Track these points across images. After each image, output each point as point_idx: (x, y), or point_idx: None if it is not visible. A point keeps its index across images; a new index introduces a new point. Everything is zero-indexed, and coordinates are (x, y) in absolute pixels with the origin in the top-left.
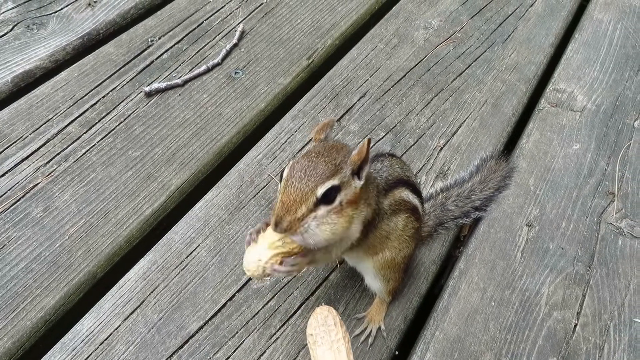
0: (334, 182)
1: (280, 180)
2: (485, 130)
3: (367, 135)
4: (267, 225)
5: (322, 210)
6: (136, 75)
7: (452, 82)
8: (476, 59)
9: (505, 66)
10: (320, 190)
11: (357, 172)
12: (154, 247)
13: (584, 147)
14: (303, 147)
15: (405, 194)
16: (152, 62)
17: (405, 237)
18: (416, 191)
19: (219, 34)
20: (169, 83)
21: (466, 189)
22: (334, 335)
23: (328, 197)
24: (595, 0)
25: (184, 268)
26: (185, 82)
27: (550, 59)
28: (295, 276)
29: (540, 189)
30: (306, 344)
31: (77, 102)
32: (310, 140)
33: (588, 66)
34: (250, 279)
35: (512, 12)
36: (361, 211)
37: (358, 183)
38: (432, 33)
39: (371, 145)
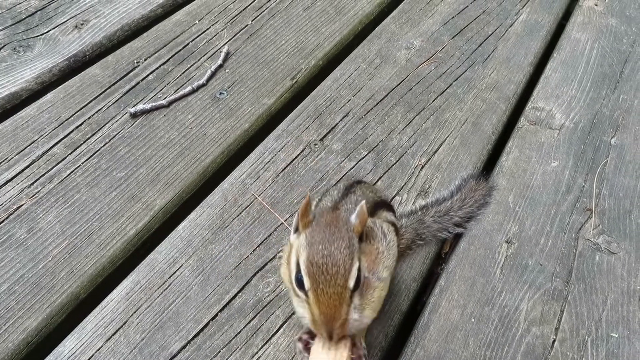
0: (356, 265)
1: (300, 287)
2: (465, 149)
3: (349, 155)
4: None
5: (357, 297)
6: (121, 96)
7: (434, 101)
8: (457, 79)
9: (486, 85)
10: (351, 283)
11: (359, 238)
12: (137, 267)
13: (562, 164)
14: (286, 166)
15: (384, 215)
16: (138, 83)
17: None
18: (392, 209)
19: (204, 55)
20: (154, 104)
21: (445, 206)
22: None
23: (357, 282)
24: (574, 20)
25: (166, 288)
26: (170, 103)
27: (529, 78)
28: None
29: (520, 206)
30: None
31: (62, 123)
32: (291, 162)
33: (566, 85)
34: (233, 297)
35: (492, 32)
36: (387, 259)
37: (364, 247)
38: (414, 53)
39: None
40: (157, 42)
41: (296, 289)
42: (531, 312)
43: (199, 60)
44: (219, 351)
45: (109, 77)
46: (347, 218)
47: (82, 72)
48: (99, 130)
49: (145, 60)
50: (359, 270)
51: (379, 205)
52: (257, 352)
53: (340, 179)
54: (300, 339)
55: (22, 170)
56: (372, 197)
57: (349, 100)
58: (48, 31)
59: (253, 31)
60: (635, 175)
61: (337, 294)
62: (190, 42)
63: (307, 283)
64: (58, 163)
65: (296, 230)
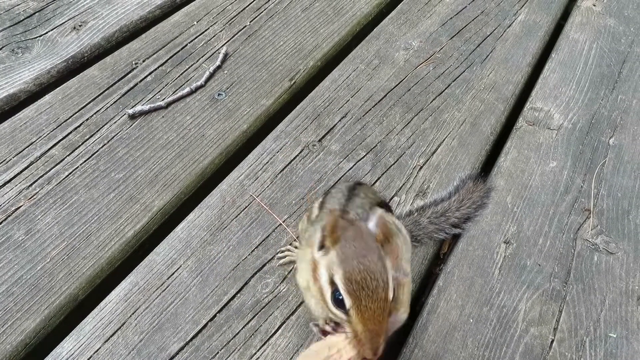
0: (391, 275)
1: (339, 306)
2: (464, 149)
3: (347, 155)
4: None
5: (392, 304)
6: (120, 98)
7: (432, 101)
8: (455, 79)
9: (484, 86)
10: (391, 294)
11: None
12: (136, 268)
13: (560, 164)
14: (284, 167)
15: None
16: (136, 84)
17: None
18: (390, 210)
19: (202, 57)
20: (152, 105)
21: (442, 207)
22: None
23: (394, 291)
24: (572, 20)
25: (165, 289)
26: (169, 104)
27: (527, 79)
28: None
29: (518, 207)
30: None
31: (60, 125)
32: (289, 163)
33: (564, 85)
34: (232, 298)
35: (491, 33)
36: (406, 252)
37: (387, 248)
38: (412, 54)
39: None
40: (156, 44)
41: (333, 309)
42: (529, 312)
43: (197, 61)
44: (217, 352)
45: (107, 79)
46: (367, 227)
47: (81, 74)
48: (97, 131)
49: (143, 61)
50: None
51: (380, 206)
52: (255, 353)
53: (338, 180)
54: (317, 326)
55: (21, 171)
56: (373, 199)
57: (348, 101)
58: (46, 33)
59: (251, 32)
60: (633, 176)
61: (380, 308)
62: (189, 43)
63: (348, 302)
64: (56, 164)
65: (321, 247)
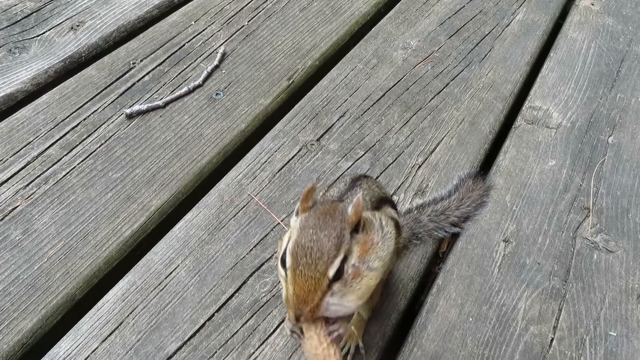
0: (341, 256)
1: (283, 265)
2: (462, 148)
3: (346, 155)
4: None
5: (337, 286)
6: (117, 97)
7: (430, 100)
8: (454, 78)
9: (482, 85)
10: (332, 272)
11: (355, 229)
12: (133, 268)
13: (559, 163)
14: (283, 166)
15: (389, 211)
16: (134, 84)
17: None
18: (395, 206)
19: (200, 56)
20: (150, 105)
21: (442, 206)
22: None
23: (339, 273)
24: (570, 19)
25: (162, 289)
26: (167, 103)
27: (526, 78)
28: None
29: (517, 205)
30: None
31: (58, 124)
32: (288, 162)
33: (563, 84)
34: (230, 298)
35: (489, 32)
36: (381, 250)
37: (358, 237)
38: (411, 53)
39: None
40: (153, 43)
41: (279, 265)
42: (529, 311)
43: (195, 61)
44: (215, 352)
45: (105, 78)
46: (346, 209)
47: (78, 74)
48: (94, 131)
49: (141, 61)
50: (344, 261)
51: (384, 200)
52: (253, 353)
53: (336, 180)
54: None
55: (18, 171)
56: (377, 192)
57: (346, 100)
58: (44, 33)
59: (249, 32)
60: (632, 174)
61: (314, 279)
62: (187, 43)
63: (288, 261)
64: (54, 164)
65: (297, 214)
